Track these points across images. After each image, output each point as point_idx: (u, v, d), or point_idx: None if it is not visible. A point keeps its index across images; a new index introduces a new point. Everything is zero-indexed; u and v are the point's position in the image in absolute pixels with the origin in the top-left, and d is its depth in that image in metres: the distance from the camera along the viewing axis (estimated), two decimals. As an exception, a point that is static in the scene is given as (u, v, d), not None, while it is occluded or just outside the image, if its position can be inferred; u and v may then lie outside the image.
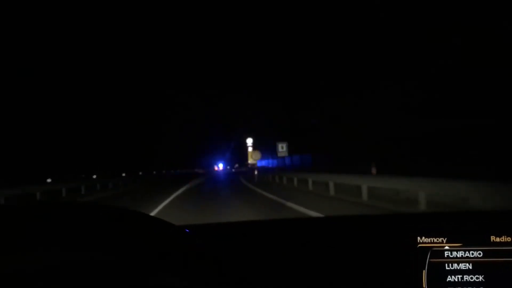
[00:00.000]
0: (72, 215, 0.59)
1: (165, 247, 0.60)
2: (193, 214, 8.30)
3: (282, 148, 22.40)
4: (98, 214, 0.61)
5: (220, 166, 78.49)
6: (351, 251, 1.02)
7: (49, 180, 20.49)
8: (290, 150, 24.13)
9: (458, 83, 14.14)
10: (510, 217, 1.15)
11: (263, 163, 44.73)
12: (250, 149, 27.14)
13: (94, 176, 25.22)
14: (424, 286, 0.96)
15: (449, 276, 0.98)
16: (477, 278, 0.97)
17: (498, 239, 0.99)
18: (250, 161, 26.77)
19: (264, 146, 34.28)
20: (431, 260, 0.99)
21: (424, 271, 0.97)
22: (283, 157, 30.01)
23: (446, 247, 1.00)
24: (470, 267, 0.98)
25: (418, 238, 1.01)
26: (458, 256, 0.99)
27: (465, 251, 0.99)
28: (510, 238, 0.98)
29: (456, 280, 0.97)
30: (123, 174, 30.30)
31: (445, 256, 1.00)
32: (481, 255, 0.98)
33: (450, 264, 0.99)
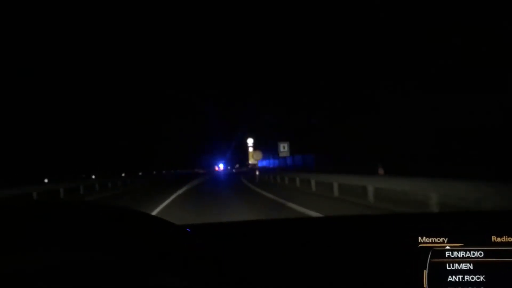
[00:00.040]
0: (72, 215, 0.59)
1: (165, 247, 0.60)
2: (193, 214, 8.30)
3: (283, 148, 22.28)
4: (98, 214, 0.61)
5: (221, 166, 78.37)
6: (352, 251, 1.02)
7: (46, 180, 20.29)
8: (292, 150, 23.96)
9: (458, 83, 14.15)
10: (511, 217, 1.15)
11: (264, 163, 44.52)
12: (250, 149, 27.16)
13: (93, 177, 25.11)
14: (425, 286, 0.96)
15: (450, 276, 0.97)
16: (478, 278, 0.96)
17: (499, 239, 0.99)
18: (251, 161, 26.73)
19: (265, 146, 34.24)
20: (432, 260, 0.99)
21: (425, 271, 0.97)
22: (284, 157, 29.90)
23: (447, 247, 1.00)
24: (471, 267, 0.98)
25: (419, 238, 1.01)
26: (459, 256, 0.99)
27: (466, 251, 0.99)
28: (511, 238, 0.98)
29: (457, 280, 0.97)
30: (123, 174, 30.27)
31: (446, 256, 0.99)
32: (482, 255, 0.98)
33: (451, 264, 0.98)
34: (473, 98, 12.92)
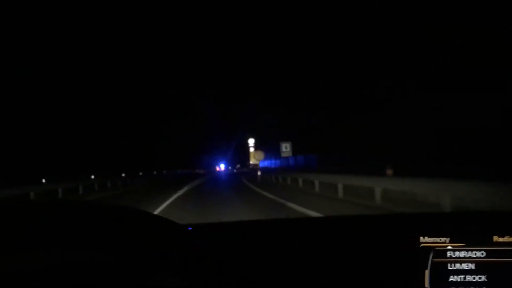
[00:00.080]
0: (72, 215, 0.59)
1: (166, 247, 0.60)
2: (194, 214, 8.30)
3: (285, 148, 22.12)
4: (98, 213, 0.61)
5: (222, 166, 78.22)
6: (353, 251, 1.01)
7: (43, 181, 20.13)
8: (294, 150, 23.79)
9: (458, 83, 14.15)
10: None
11: (266, 163, 44.32)
12: (251, 149, 27.12)
13: (92, 177, 25.02)
14: (426, 286, 0.96)
15: (451, 276, 0.97)
16: (479, 278, 0.96)
17: (501, 239, 0.98)
18: (252, 161, 26.63)
19: (265, 146, 34.15)
20: (434, 260, 0.98)
21: (426, 271, 0.97)
22: (286, 157, 29.82)
23: (449, 247, 1.00)
24: (473, 267, 0.97)
25: (421, 237, 1.01)
26: (461, 256, 0.99)
27: (468, 251, 0.99)
28: None
29: (459, 280, 0.97)
30: (123, 174, 30.25)
31: (448, 256, 0.99)
32: (484, 255, 0.98)
33: (452, 264, 0.98)
34: (473, 98, 12.92)
